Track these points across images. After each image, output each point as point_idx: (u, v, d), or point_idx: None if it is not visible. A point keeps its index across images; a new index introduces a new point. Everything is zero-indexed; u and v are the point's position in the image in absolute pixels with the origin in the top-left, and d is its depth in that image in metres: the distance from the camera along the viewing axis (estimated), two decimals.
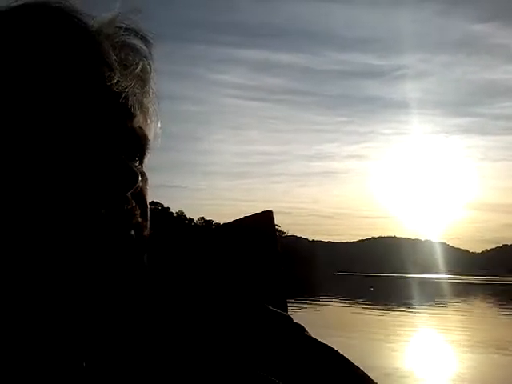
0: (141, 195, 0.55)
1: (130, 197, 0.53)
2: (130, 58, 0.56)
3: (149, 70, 0.58)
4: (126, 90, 0.53)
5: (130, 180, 0.51)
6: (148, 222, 0.56)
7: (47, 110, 0.50)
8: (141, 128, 0.56)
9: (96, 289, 0.50)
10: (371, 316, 23.10)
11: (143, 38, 0.58)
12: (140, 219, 0.54)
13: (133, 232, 0.52)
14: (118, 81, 0.52)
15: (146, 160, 0.59)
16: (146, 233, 0.55)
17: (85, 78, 0.51)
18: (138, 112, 0.56)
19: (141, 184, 0.54)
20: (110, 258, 0.50)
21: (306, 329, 0.64)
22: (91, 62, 0.52)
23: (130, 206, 0.52)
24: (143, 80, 0.57)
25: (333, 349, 0.63)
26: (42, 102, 0.50)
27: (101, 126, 0.51)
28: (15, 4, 0.54)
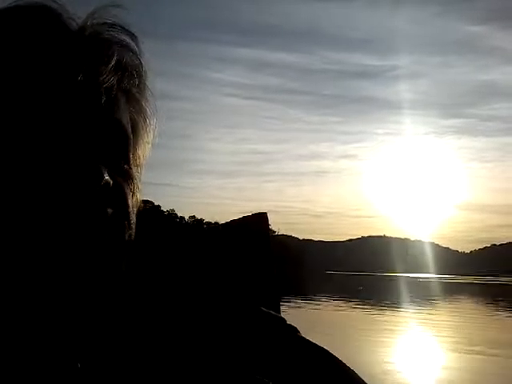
0: (119, 195, 0.54)
1: (103, 195, 0.51)
2: (117, 54, 0.55)
3: (137, 63, 0.58)
4: (110, 84, 0.53)
5: (94, 179, 0.50)
6: (130, 223, 0.55)
7: (28, 106, 0.50)
8: (124, 124, 0.55)
9: (84, 288, 0.50)
10: (359, 316, 23.27)
11: (129, 34, 0.58)
12: (115, 218, 0.53)
13: (101, 232, 0.51)
14: (104, 76, 0.52)
15: (139, 156, 0.58)
16: (127, 232, 0.54)
17: (70, 73, 0.51)
18: (132, 109, 0.56)
19: (112, 183, 0.52)
20: (75, 256, 0.49)
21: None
22: (76, 58, 0.52)
23: (98, 205, 0.51)
24: (135, 75, 0.58)
25: (326, 350, 0.63)
26: (24, 98, 0.50)
27: (84, 121, 0.51)
28: (5, 6, 0.56)
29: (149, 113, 0.60)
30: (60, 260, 0.49)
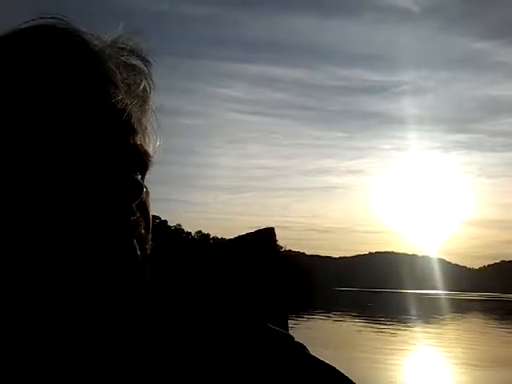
0: (144, 207, 0.58)
1: (134, 208, 0.55)
2: (132, 78, 0.59)
3: (148, 89, 0.62)
4: (129, 107, 0.56)
5: (136, 191, 0.54)
6: (150, 235, 0.59)
7: (54, 125, 0.53)
8: (142, 145, 0.59)
9: (99, 299, 0.52)
10: (370, 333, 22.90)
11: (144, 59, 0.62)
12: (143, 231, 0.56)
13: (135, 242, 0.54)
14: (122, 98, 0.56)
15: (147, 175, 0.61)
16: (149, 245, 0.58)
17: (90, 94, 0.54)
18: (139, 130, 0.59)
19: (144, 196, 0.57)
20: (112, 267, 0.52)
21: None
22: (96, 80, 0.55)
23: (134, 217, 0.55)
24: (143, 99, 0.61)
25: (335, 368, 0.62)
26: (49, 117, 0.53)
27: (105, 140, 0.54)
28: (23, 26, 0.58)
29: (149, 132, 0.63)
30: (104, 267, 0.51)
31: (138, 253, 0.54)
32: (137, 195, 0.54)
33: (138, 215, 0.56)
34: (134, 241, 0.54)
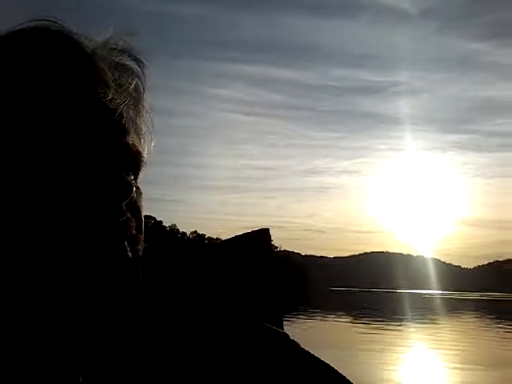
0: (136, 208, 0.57)
1: (124, 208, 0.54)
2: (124, 78, 0.59)
3: (141, 89, 0.62)
4: (121, 106, 0.56)
5: (125, 190, 0.53)
6: (142, 236, 0.58)
7: (45, 124, 0.53)
8: (134, 144, 0.59)
9: (90, 302, 0.51)
10: (368, 335, 22.95)
11: (136, 59, 0.62)
12: (134, 232, 0.55)
13: (126, 244, 0.53)
14: (112, 98, 0.55)
15: (140, 176, 0.61)
16: (141, 246, 0.57)
17: (81, 94, 0.54)
18: (131, 130, 0.58)
19: (135, 196, 0.56)
20: (103, 269, 0.51)
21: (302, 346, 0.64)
22: (87, 80, 0.55)
23: (124, 218, 0.54)
24: (136, 99, 0.61)
25: (330, 366, 0.63)
26: (39, 117, 0.53)
27: (96, 140, 0.54)
28: (17, 28, 0.58)
29: (143, 132, 0.63)
30: (93, 269, 0.50)
31: (129, 254, 0.53)
32: (126, 195, 0.53)
33: (129, 215, 0.55)
34: (125, 242, 0.53)
